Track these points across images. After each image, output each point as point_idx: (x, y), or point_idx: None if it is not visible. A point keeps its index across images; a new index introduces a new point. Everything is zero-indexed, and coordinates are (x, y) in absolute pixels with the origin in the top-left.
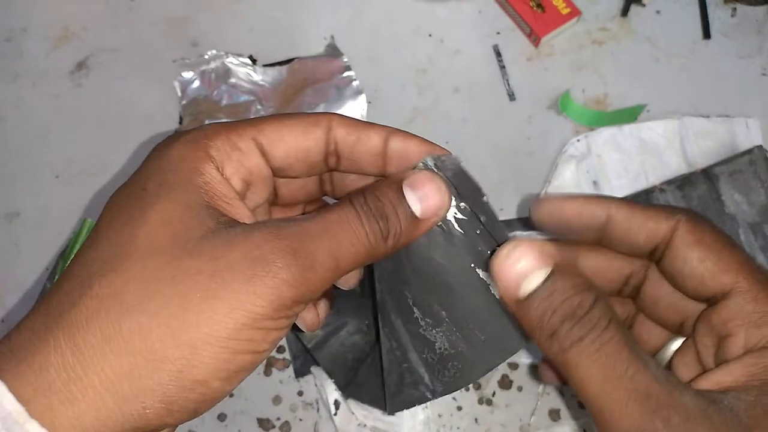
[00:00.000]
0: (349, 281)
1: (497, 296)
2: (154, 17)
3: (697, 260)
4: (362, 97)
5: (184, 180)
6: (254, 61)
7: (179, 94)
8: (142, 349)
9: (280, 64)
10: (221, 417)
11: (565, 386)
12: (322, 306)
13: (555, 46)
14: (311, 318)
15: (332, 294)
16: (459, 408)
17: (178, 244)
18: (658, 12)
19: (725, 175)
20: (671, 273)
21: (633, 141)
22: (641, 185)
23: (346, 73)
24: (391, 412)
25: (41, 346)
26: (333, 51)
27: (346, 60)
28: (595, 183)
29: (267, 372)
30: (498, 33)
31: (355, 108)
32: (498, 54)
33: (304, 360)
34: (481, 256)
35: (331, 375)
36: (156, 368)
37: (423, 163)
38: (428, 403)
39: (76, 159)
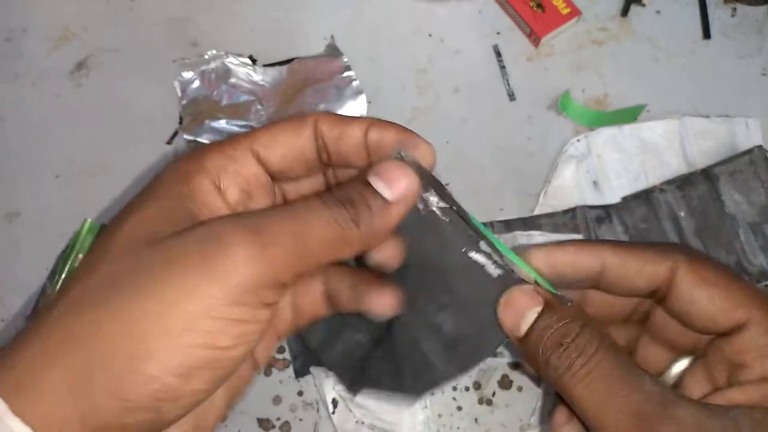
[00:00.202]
0: (388, 259)
1: (494, 276)
2: (154, 17)
3: (706, 299)
4: (362, 97)
5: (169, 189)
6: (254, 61)
7: (179, 94)
8: (96, 343)
9: (280, 64)
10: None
11: None
12: (392, 246)
13: (555, 46)
14: (387, 253)
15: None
16: (459, 408)
17: (148, 242)
18: (658, 12)
19: (725, 175)
20: (677, 312)
21: (633, 141)
22: (641, 185)
23: (346, 73)
24: (411, 403)
25: (17, 346)
26: (333, 51)
27: (346, 60)
28: (595, 183)
29: (267, 372)
30: (498, 33)
31: (355, 108)
32: (498, 54)
33: (304, 360)
34: (470, 240)
35: (338, 374)
36: (107, 362)
37: (394, 156)
38: (428, 402)
39: (76, 159)
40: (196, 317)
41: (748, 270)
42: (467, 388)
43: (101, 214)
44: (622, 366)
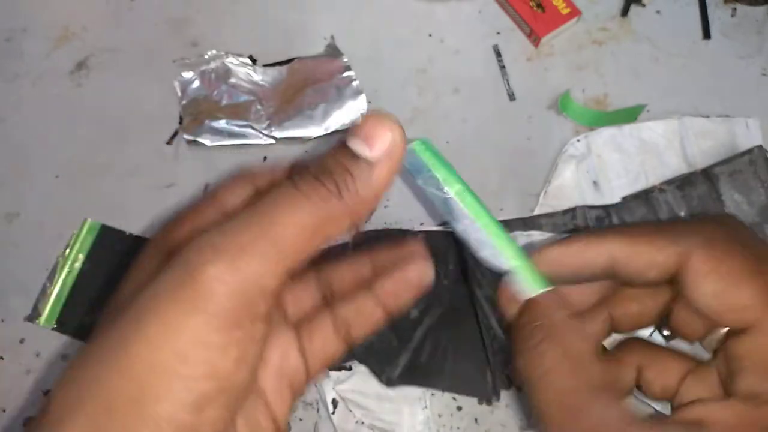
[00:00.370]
0: (421, 278)
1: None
2: (154, 17)
3: (711, 294)
4: (362, 97)
5: (142, 260)
6: (254, 61)
7: (179, 94)
8: (99, 402)
9: (280, 64)
10: None
11: None
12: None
13: (555, 46)
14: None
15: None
16: (459, 408)
17: (129, 297)
18: (658, 12)
19: (725, 175)
20: (689, 302)
21: (633, 141)
22: (641, 185)
23: (346, 73)
24: (498, 396)
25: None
26: (333, 51)
27: (346, 60)
28: (595, 183)
29: None
30: (498, 33)
31: (355, 108)
32: (498, 54)
33: None
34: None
35: (369, 365)
36: (115, 417)
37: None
38: (428, 402)
39: (76, 159)
40: (187, 348)
41: None
42: None
43: (101, 214)
44: (570, 393)
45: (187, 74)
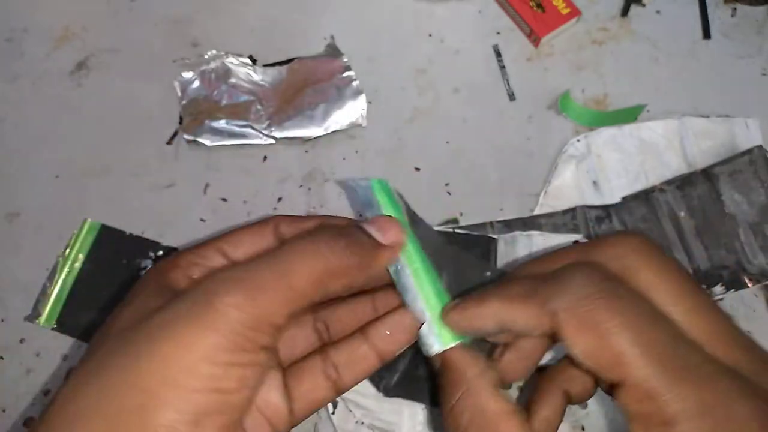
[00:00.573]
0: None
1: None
2: (154, 17)
3: (582, 355)
4: (362, 97)
5: (148, 286)
6: (254, 61)
7: (179, 94)
8: (102, 410)
9: (280, 64)
10: None
11: None
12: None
13: (555, 46)
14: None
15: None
16: None
17: (139, 320)
18: (658, 12)
19: (725, 175)
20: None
21: (633, 141)
22: (641, 185)
23: (346, 73)
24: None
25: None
26: (333, 51)
27: (346, 60)
28: (595, 183)
29: None
30: (498, 33)
31: (355, 108)
32: (498, 54)
33: None
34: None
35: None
36: (119, 422)
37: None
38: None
39: (76, 159)
40: (195, 364)
41: (748, 270)
42: None
43: (101, 214)
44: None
45: (187, 74)
